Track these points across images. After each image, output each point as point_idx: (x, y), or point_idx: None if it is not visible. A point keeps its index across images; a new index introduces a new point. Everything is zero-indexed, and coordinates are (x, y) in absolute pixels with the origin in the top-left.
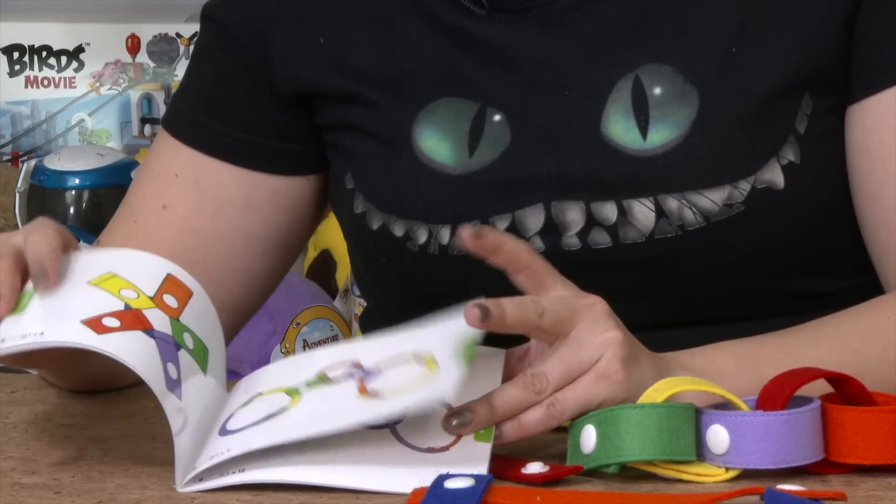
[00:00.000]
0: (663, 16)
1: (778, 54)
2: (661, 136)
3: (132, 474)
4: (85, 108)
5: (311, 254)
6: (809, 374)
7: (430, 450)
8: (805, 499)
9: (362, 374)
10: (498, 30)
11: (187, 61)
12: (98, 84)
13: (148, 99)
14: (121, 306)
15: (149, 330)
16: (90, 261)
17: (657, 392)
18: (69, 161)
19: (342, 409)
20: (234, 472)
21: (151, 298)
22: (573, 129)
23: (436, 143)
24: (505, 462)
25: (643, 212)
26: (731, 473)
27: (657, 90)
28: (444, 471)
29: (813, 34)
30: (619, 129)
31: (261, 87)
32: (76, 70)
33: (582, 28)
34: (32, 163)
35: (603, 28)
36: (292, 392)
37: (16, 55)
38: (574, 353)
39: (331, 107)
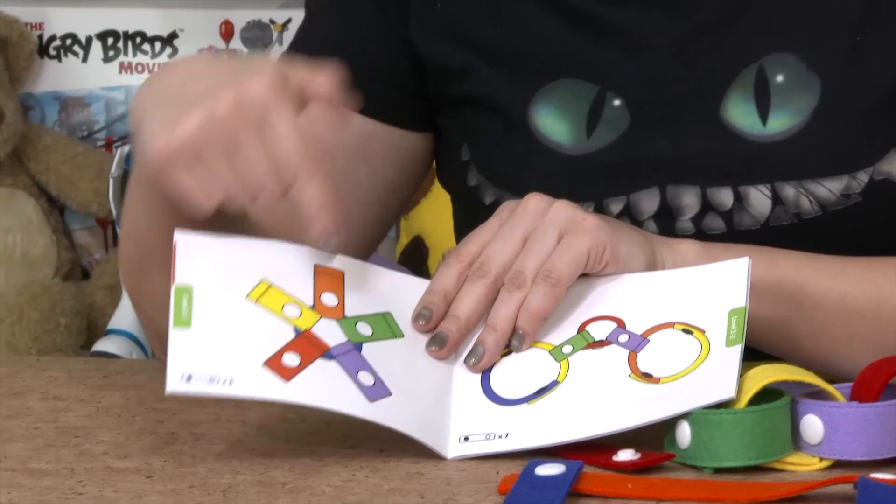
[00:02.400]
0: (787, 4)
1: None
2: (781, 122)
3: (223, 459)
4: None
5: (403, 240)
6: None
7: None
8: None
9: (628, 340)
10: (626, 14)
11: (281, 48)
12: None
13: None
14: (290, 332)
15: (326, 352)
16: (234, 260)
17: (752, 381)
18: None
19: (616, 397)
20: (499, 437)
21: (313, 308)
22: (692, 112)
23: (553, 123)
24: (596, 449)
25: (759, 198)
26: (825, 463)
27: (779, 77)
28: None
29: None
30: (739, 113)
31: (390, 34)
32: (170, 56)
33: (708, 16)
34: (126, 148)
35: (729, 17)
36: (558, 354)
37: (110, 41)
38: (536, 235)
39: (445, 77)
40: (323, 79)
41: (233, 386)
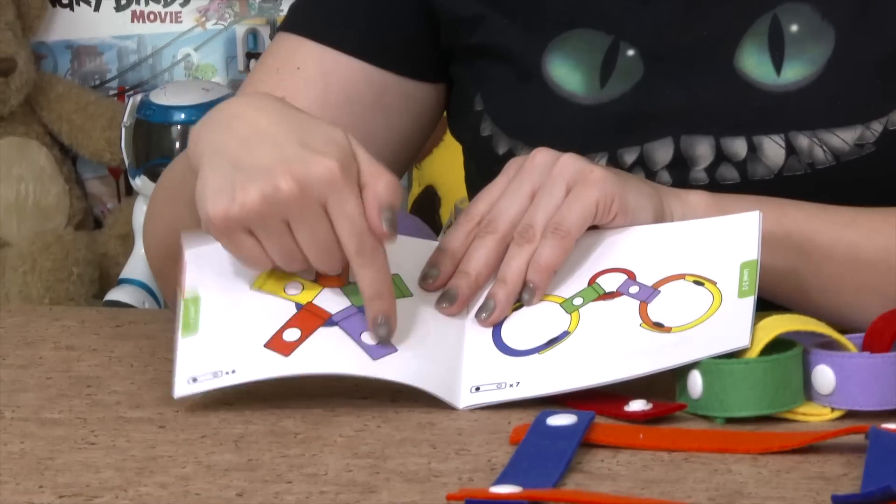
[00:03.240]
0: None
1: None
2: (795, 72)
3: (235, 409)
4: (191, 43)
5: (416, 189)
6: None
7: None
8: None
9: (639, 291)
10: None
11: None
12: (204, 19)
13: (254, 34)
14: (292, 309)
15: (328, 320)
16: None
17: (764, 332)
18: (175, 96)
19: (627, 345)
20: (510, 386)
21: (315, 280)
22: (705, 62)
23: (567, 72)
24: (607, 399)
25: (773, 148)
26: (837, 413)
27: (794, 27)
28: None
29: None
30: (753, 63)
31: None
32: (182, 5)
33: None
34: (138, 97)
35: None
36: (569, 306)
37: None
38: (544, 189)
39: (457, 27)
40: (382, 195)
41: (235, 374)
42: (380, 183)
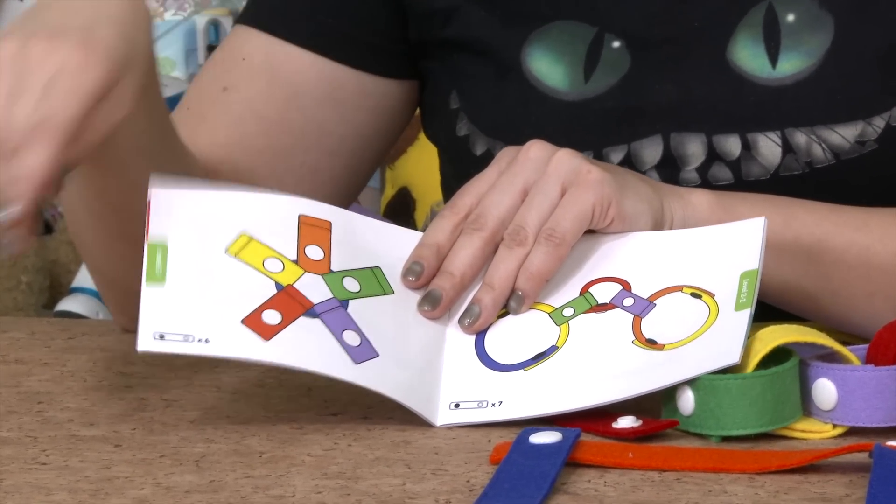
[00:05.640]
0: None
1: None
2: (791, 64)
3: (197, 427)
4: None
5: (389, 191)
6: None
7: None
8: None
9: (633, 304)
10: None
11: None
12: (162, 9)
13: (215, 25)
14: (272, 288)
15: (309, 309)
16: (212, 212)
17: (760, 343)
18: None
19: (617, 364)
20: (492, 406)
21: (296, 262)
22: (697, 55)
23: (548, 66)
24: (594, 416)
25: (769, 146)
26: (839, 430)
27: (790, 16)
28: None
29: None
30: (747, 55)
31: None
32: None
33: None
34: None
35: None
36: (558, 317)
37: None
38: (538, 187)
39: (429, 19)
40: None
41: (209, 344)
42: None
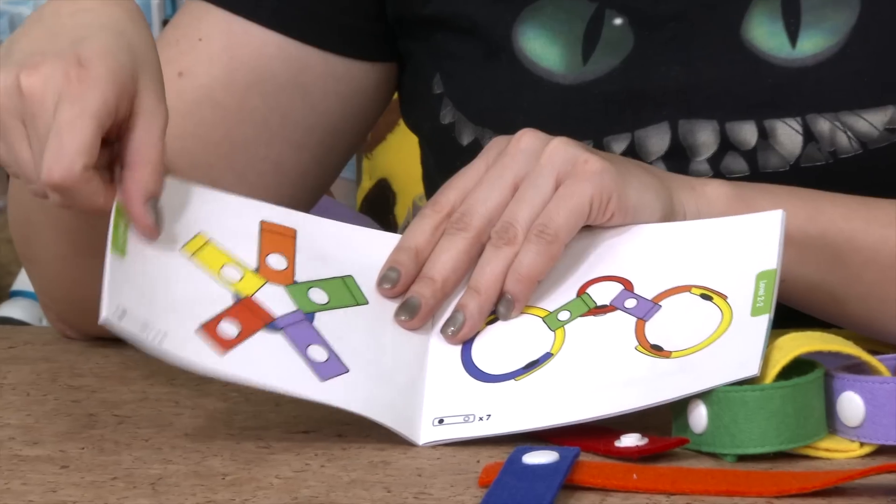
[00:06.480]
0: None
1: None
2: (813, 43)
3: (152, 446)
4: None
5: (366, 183)
6: None
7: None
8: None
9: (636, 306)
10: None
11: None
12: None
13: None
14: (229, 298)
15: (270, 323)
16: (173, 203)
17: (780, 352)
18: None
19: (619, 373)
20: (480, 420)
21: (257, 271)
22: (707, 33)
23: (542, 46)
24: (595, 433)
25: (788, 134)
26: (866, 449)
27: None
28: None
29: None
30: (764, 33)
31: None
32: None
33: None
34: None
35: None
36: (553, 322)
37: None
38: (530, 180)
39: None
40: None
41: (164, 344)
42: (145, 170)
